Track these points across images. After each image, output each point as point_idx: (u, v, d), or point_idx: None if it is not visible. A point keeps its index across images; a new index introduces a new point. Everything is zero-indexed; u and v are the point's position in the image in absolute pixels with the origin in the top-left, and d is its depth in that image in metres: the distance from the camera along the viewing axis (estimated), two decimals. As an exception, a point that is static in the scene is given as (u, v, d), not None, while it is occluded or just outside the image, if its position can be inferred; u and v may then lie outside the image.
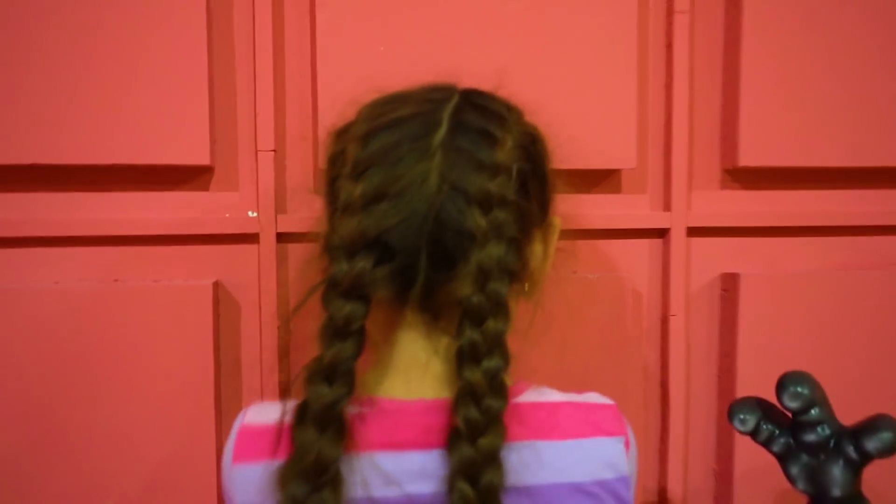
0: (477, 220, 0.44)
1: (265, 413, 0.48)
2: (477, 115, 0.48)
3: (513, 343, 0.45)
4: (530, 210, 0.50)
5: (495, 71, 0.56)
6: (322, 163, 0.56)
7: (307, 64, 0.71)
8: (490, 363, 0.44)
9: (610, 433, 0.49)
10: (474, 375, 0.44)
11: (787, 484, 0.58)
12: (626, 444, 0.50)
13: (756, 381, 0.72)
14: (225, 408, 0.72)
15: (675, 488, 0.79)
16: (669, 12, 0.76)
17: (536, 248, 0.53)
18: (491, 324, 0.44)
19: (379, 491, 0.45)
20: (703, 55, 0.77)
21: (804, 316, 0.78)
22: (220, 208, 0.71)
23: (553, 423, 0.49)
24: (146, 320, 0.68)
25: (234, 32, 0.70)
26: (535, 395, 0.50)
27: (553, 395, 0.51)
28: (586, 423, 0.49)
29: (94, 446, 0.68)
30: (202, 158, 0.68)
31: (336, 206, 0.46)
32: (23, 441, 0.67)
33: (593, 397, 0.52)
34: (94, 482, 0.68)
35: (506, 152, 0.47)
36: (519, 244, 0.48)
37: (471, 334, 0.44)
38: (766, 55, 0.75)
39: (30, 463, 0.67)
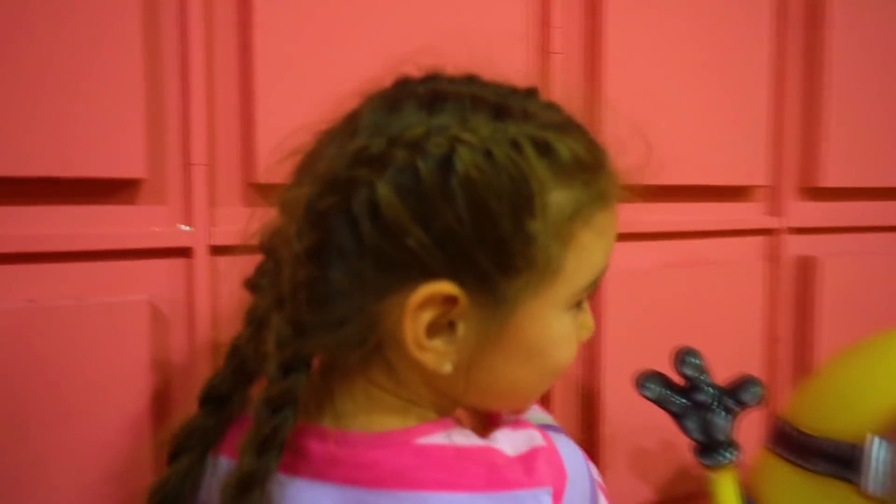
0: None
1: None
2: None
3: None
4: None
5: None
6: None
7: (237, 78, 0.73)
8: None
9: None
10: None
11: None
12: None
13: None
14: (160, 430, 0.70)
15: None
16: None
17: None
18: None
19: None
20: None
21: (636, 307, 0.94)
22: (150, 222, 0.70)
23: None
24: (70, 342, 0.65)
25: (164, 45, 0.70)
26: None
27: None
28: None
29: (24, 477, 0.63)
30: (137, 172, 0.67)
31: None
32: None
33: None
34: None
35: None
36: None
37: None
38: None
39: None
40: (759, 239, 1.08)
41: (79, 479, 0.65)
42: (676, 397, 0.72)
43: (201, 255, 0.71)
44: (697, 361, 0.72)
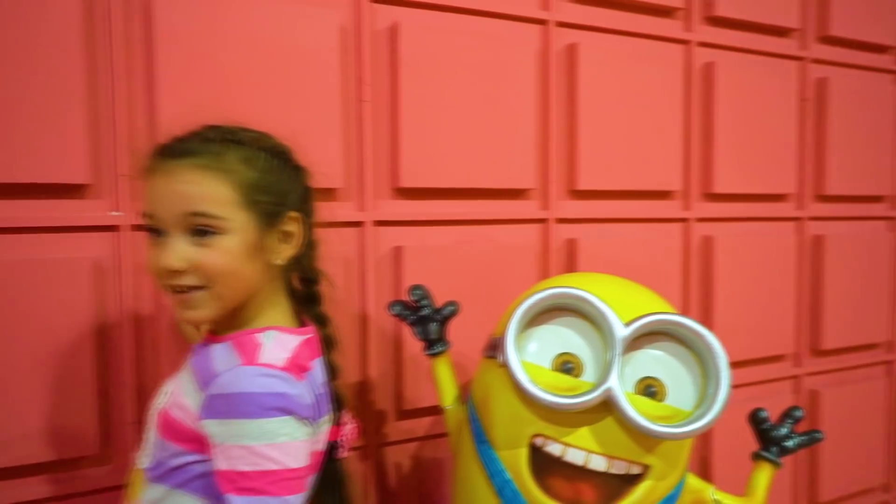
0: None
1: None
2: None
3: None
4: None
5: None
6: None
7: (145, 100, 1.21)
8: None
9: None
10: None
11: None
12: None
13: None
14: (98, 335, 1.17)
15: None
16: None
17: None
18: None
19: None
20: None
21: (443, 269, 1.40)
22: (94, 209, 1.18)
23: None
24: (30, 290, 1.12)
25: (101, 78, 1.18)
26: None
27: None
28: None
29: None
30: (84, 178, 1.15)
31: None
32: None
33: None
34: None
35: None
36: None
37: None
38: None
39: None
40: (534, 227, 1.54)
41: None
42: (408, 313, 1.18)
43: (125, 231, 1.18)
44: (421, 292, 1.18)
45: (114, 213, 1.18)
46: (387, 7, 1.37)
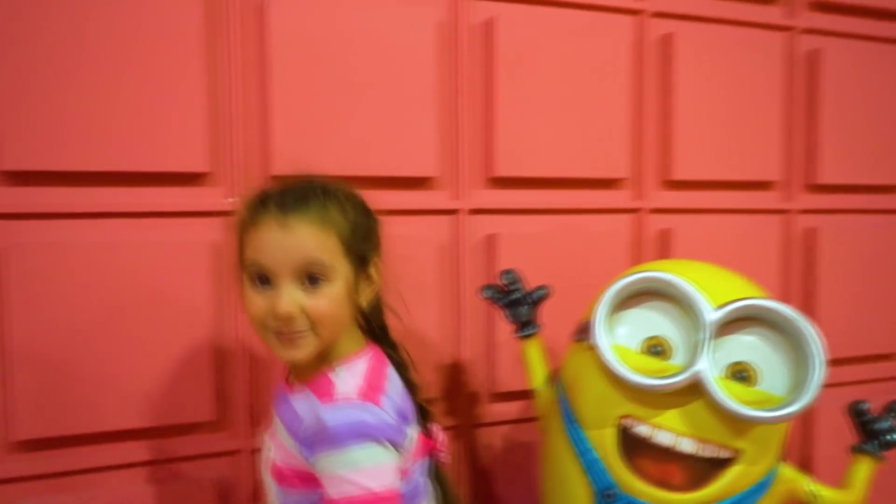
0: None
1: None
2: None
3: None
4: None
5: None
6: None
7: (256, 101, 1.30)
8: None
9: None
10: None
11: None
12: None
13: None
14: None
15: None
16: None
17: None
18: None
19: None
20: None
21: (536, 257, 1.43)
22: (214, 196, 1.28)
23: None
24: (156, 266, 1.23)
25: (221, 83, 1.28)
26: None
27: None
28: None
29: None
30: (203, 167, 1.25)
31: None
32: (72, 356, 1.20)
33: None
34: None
35: None
36: None
37: None
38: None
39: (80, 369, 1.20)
40: (627, 216, 1.55)
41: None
42: (500, 296, 1.22)
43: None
44: (513, 276, 1.22)
45: (229, 200, 1.28)
46: (483, 3, 1.42)
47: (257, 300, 0.88)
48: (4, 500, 1.17)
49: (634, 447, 1.06)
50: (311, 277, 0.86)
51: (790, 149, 1.67)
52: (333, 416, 0.84)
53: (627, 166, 1.54)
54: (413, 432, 0.96)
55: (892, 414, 1.14)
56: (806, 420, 1.69)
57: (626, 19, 1.53)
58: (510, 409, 1.47)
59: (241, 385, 1.28)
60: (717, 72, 1.58)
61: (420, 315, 1.38)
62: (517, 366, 1.37)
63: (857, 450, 1.13)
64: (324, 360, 0.92)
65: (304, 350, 0.88)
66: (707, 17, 1.57)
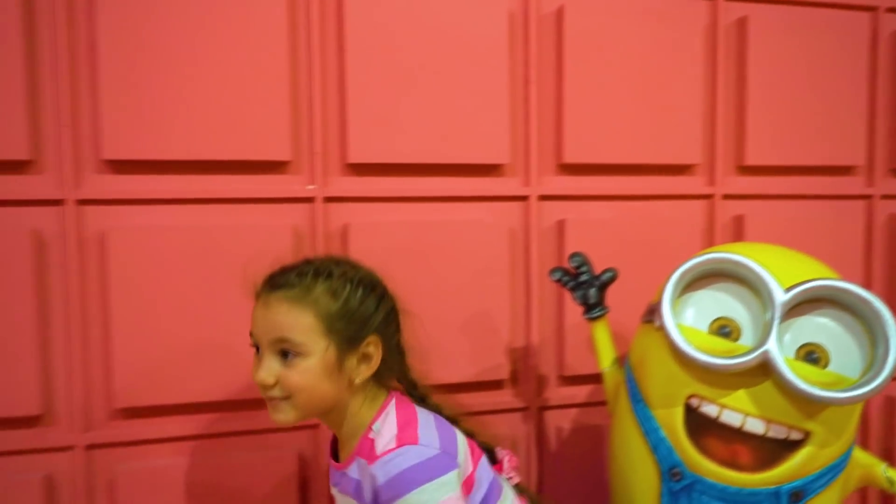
0: None
1: None
2: None
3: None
4: None
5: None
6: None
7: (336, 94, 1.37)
8: None
9: None
10: None
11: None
12: None
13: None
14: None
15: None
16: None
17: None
18: None
19: None
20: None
21: (605, 243, 1.45)
22: (294, 183, 1.35)
23: None
24: (242, 248, 1.31)
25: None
26: None
27: None
28: None
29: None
30: (286, 156, 1.33)
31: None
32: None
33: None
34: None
35: None
36: None
37: None
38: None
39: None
40: (699, 202, 1.55)
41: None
42: (568, 279, 1.25)
43: (319, 202, 1.35)
44: (581, 258, 1.24)
45: (309, 187, 1.35)
46: (553, -9, 1.44)
47: (254, 367, 0.97)
48: (107, 462, 1.27)
49: (701, 427, 1.06)
50: (283, 352, 0.94)
51: (873, 132, 1.62)
52: (384, 472, 0.90)
53: (700, 152, 1.53)
54: (461, 436, 1.01)
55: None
56: (888, 408, 1.64)
57: (701, 4, 1.52)
58: (579, 392, 1.49)
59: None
60: (793, 55, 1.55)
61: (491, 299, 1.42)
62: (586, 350, 1.39)
63: (938, 437, 1.10)
64: (355, 429, 0.98)
65: (284, 415, 0.96)
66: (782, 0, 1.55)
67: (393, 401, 1.00)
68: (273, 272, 0.99)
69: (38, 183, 1.23)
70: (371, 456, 0.93)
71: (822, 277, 1.04)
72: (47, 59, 1.22)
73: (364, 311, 0.96)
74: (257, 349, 0.98)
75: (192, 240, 1.28)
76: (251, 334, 0.98)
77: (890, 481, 1.09)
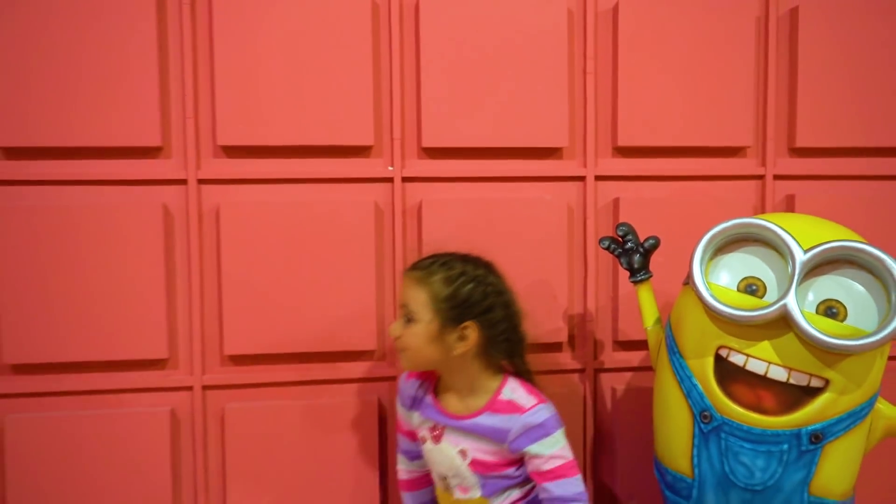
0: None
1: None
2: None
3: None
4: None
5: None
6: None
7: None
8: None
9: None
10: None
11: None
12: None
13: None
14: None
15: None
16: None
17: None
18: None
19: None
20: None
21: (657, 220, 1.57)
22: (377, 165, 1.56)
23: None
24: (334, 220, 1.52)
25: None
26: None
27: None
28: None
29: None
30: (369, 141, 1.53)
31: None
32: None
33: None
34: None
35: None
36: None
37: None
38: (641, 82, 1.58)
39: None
40: (751, 183, 1.65)
41: (343, 273, 1.52)
42: (615, 246, 1.39)
43: (398, 182, 1.55)
44: (626, 227, 1.38)
45: (389, 168, 1.55)
46: (609, -11, 1.59)
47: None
48: (220, 401, 1.51)
49: (729, 374, 1.19)
50: (407, 317, 1.21)
51: (928, 115, 1.68)
52: (537, 417, 1.20)
53: (751, 134, 1.63)
54: None
55: None
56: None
57: (751, -3, 1.63)
58: (633, 357, 1.63)
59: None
60: (843, 41, 1.63)
61: (550, 269, 1.58)
62: (639, 318, 1.52)
63: (964, 393, 1.18)
64: (477, 391, 1.25)
65: (403, 363, 1.25)
66: (835, -10, 1.63)
67: (510, 377, 1.26)
68: (419, 259, 1.27)
69: (167, 166, 1.49)
70: (517, 409, 1.21)
71: (840, 239, 1.14)
72: (175, 63, 1.47)
73: (468, 301, 1.20)
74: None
75: (291, 213, 1.50)
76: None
77: (913, 432, 1.18)
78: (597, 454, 1.64)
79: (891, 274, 1.09)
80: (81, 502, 1.48)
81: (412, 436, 1.35)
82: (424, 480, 1.39)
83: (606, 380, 1.63)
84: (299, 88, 1.49)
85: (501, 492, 1.25)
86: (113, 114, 1.44)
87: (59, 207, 1.44)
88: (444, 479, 1.28)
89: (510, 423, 1.21)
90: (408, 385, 1.33)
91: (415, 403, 1.31)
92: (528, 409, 1.21)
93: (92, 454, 1.47)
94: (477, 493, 1.26)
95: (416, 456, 1.37)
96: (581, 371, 1.62)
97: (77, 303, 1.45)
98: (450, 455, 1.25)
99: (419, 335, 1.19)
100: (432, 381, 1.31)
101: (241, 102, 1.48)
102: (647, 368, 1.59)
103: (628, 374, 1.63)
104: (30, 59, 1.41)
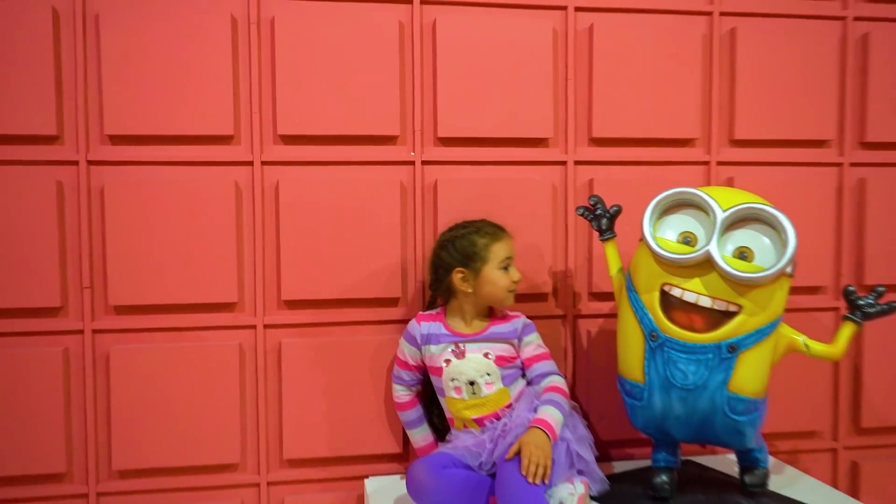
0: None
1: None
2: None
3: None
4: None
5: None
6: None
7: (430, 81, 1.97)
8: None
9: None
10: None
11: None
12: None
13: (599, 214, 1.93)
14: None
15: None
16: (567, 79, 2.01)
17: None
18: None
19: None
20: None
21: (627, 197, 1.99)
22: (399, 153, 1.96)
23: None
24: (368, 197, 1.93)
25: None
26: None
27: None
28: None
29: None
30: (394, 131, 1.94)
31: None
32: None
33: None
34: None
35: None
36: None
37: None
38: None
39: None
40: (699, 168, 2.07)
41: (375, 236, 1.93)
42: (587, 213, 1.80)
43: (418, 165, 1.95)
44: (596, 198, 1.79)
45: (412, 154, 1.96)
46: (586, 13, 2.00)
47: (504, 276, 1.72)
48: (275, 339, 1.91)
49: (671, 304, 1.60)
50: (504, 266, 1.75)
51: (843, 112, 2.10)
52: (527, 319, 1.78)
53: (699, 128, 2.05)
54: None
55: (873, 295, 1.59)
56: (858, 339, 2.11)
57: (700, 19, 2.04)
58: (604, 306, 2.04)
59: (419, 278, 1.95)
60: (773, 54, 2.05)
61: (539, 234, 1.98)
62: (608, 273, 1.94)
63: (845, 318, 1.59)
64: (484, 316, 1.78)
65: (512, 300, 1.77)
66: (767, 13, 2.05)
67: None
68: (494, 224, 1.79)
69: (238, 151, 1.89)
70: (515, 317, 1.77)
71: (749, 202, 1.56)
72: (244, 70, 1.88)
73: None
74: (503, 267, 1.74)
75: (334, 189, 1.90)
76: (507, 257, 1.75)
77: (805, 345, 1.59)
78: (574, 382, 2.04)
79: (783, 228, 1.51)
80: (169, 417, 1.87)
81: (416, 369, 1.80)
82: (416, 401, 1.84)
83: (583, 324, 2.04)
84: (342, 90, 1.90)
85: (514, 381, 1.71)
86: (195, 109, 1.84)
87: (154, 182, 1.84)
88: (473, 383, 1.69)
89: (514, 324, 1.75)
90: (420, 327, 1.76)
91: (429, 339, 1.73)
92: (520, 315, 1.77)
93: (177, 379, 1.87)
94: (500, 385, 1.69)
95: (413, 383, 1.82)
96: (563, 317, 2.03)
97: (167, 258, 1.85)
98: (478, 359, 1.69)
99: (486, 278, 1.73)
100: (440, 319, 1.74)
101: (297, 100, 1.88)
102: (615, 315, 2.01)
103: (600, 320, 2.04)
104: (132, 64, 1.81)
